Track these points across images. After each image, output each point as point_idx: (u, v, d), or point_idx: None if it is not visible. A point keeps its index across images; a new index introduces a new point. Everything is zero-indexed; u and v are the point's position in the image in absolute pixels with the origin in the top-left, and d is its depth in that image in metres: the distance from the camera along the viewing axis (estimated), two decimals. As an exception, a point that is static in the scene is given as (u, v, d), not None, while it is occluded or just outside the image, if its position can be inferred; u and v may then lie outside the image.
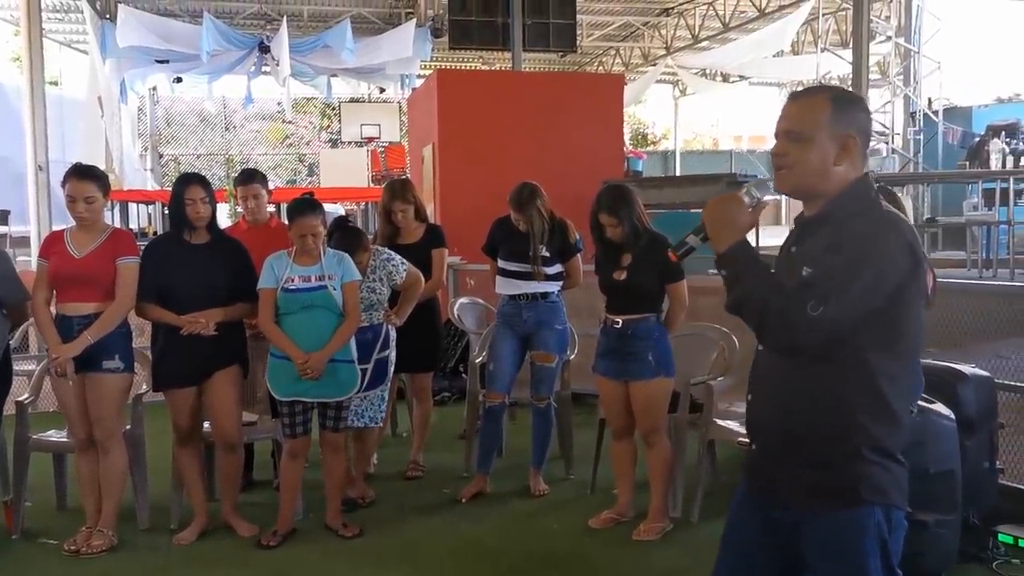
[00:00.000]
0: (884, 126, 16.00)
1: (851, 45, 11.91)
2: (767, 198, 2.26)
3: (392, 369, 5.06)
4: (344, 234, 4.82)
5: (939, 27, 15.88)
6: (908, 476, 2.22)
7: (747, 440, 2.41)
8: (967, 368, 4.21)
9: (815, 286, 2.05)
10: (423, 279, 5.14)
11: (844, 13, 17.27)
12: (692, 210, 10.71)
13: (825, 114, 2.15)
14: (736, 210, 2.21)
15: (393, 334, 5.00)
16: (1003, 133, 13.18)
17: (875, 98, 15.17)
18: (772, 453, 2.28)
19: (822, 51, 17.02)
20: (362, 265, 4.74)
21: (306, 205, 4.44)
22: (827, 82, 17.20)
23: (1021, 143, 13.29)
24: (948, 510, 3.85)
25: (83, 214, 4.29)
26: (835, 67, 17.67)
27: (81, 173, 4.34)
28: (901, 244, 2.08)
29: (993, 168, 11.96)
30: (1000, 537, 4.14)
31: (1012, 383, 4.65)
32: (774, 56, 18.70)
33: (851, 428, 2.13)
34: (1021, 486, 4.41)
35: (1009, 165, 12.07)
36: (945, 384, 4.05)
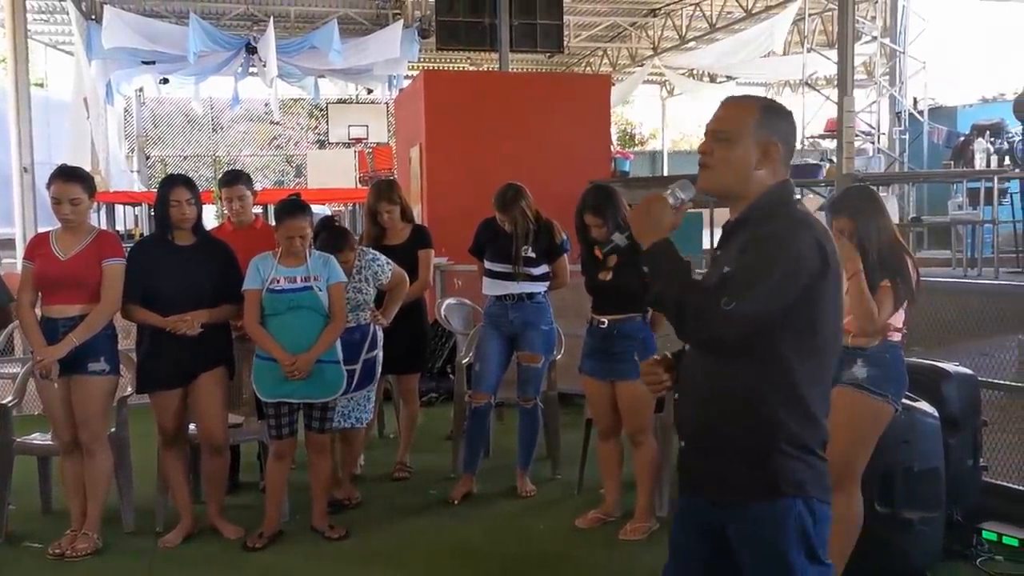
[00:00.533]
0: (870, 126, 16.05)
1: (836, 45, 11.94)
2: (688, 198, 2.34)
3: (380, 369, 5.06)
4: (330, 234, 4.82)
5: (924, 27, 15.93)
6: (826, 469, 2.27)
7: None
8: (951, 366, 4.24)
9: (728, 283, 2.15)
10: (408, 279, 5.14)
11: (830, 14, 17.33)
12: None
13: (752, 119, 2.25)
14: (660, 210, 2.30)
15: (380, 334, 4.99)
16: (988, 133, 13.21)
17: (861, 98, 15.20)
18: (697, 449, 2.35)
19: (808, 51, 17.07)
20: (348, 265, 4.74)
21: (295, 207, 4.44)
22: (814, 82, 17.27)
23: (1005, 143, 13.34)
24: (932, 507, 3.88)
25: (68, 216, 4.27)
26: (821, 67, 17.73)
27: (66, 175, 4.33)
28: (811, 244, 2.16)
29: (978, 168, 12.00)
30: (984, 534, 4.17)
31: (996, 381, 4.69)
32: (762, 57, 18.74)
33: (769, 424, 2.20)
34: (1004, 483, 4.44)
35: (993, 164, 12.09)
36: (929, 382, 4.08)
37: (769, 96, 22.04)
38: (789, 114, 2.35)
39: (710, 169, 2.29)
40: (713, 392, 2.28)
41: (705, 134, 2.32)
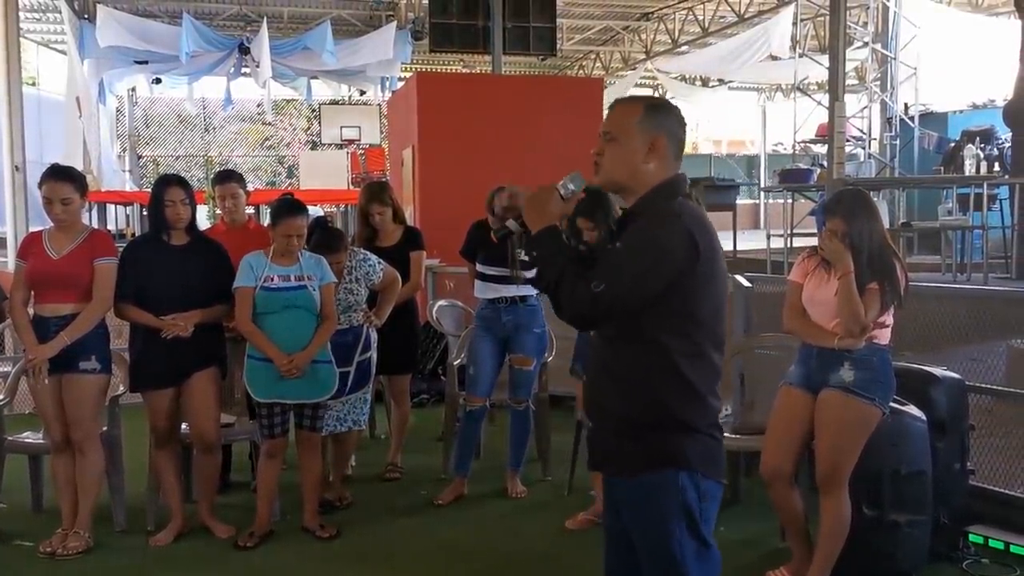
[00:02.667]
0: (861, 131, 16.11)
1: (828, 51, 12.00)
2: (578, 189, 2.50)
3: (374, 371, 5.07)
4: (324, 234, 4.84)
5: (915, 33, 15.98)
6: (720, 449, 2.41)
7: None
8: (939, 371, 4.27)
9: (600, 268, 2.31)
10: (400, 279, 5.15)
11: (822, 19, 17.39)
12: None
13: (636, 117, 2.40)
14: (549, 199, 2.45)
15: (374, 335, 5.00)
16: (978, 139, 13.29)
17: (852, 103, 15.27)
18: (594, 427, 2.50)
19: (800, 56, 17.14)
20: (340, 265, 4.75)
21: (293, 206, 4.45)
22: (805, 87, 17.32)
23: (995, 149, 13.42)
24: (920, 510, 3.90)
25: (60, 215, 4.28)
26: (813, 72, 17.79)
27: (57, 174, 4.33)
28: (680, 236, 2.27)
29: (968, 173, 12.07)
30: (971, 537, 4.20)
31: (983, 385, 4.71)
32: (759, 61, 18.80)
33: (652, 403, 2.34)
34: (991, 487, 4.47)
35: (983, 170, 12.16)
36: (917, 386, 4.11)
37: (761, 100, 22.08)
38: (673, 108, 2.48)
39: (601, 167, 2.44)
40: (603, 372, 2.44)
41: (598, 135, 2.47)
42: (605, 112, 2.57)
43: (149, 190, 4.63)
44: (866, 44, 15.98)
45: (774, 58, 17.94)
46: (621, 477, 2.41)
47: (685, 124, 2.47)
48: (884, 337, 3.68)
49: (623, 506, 2.43)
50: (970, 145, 12.88)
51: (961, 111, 16.94)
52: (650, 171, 2.39)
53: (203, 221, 8.55)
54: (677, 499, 2.31)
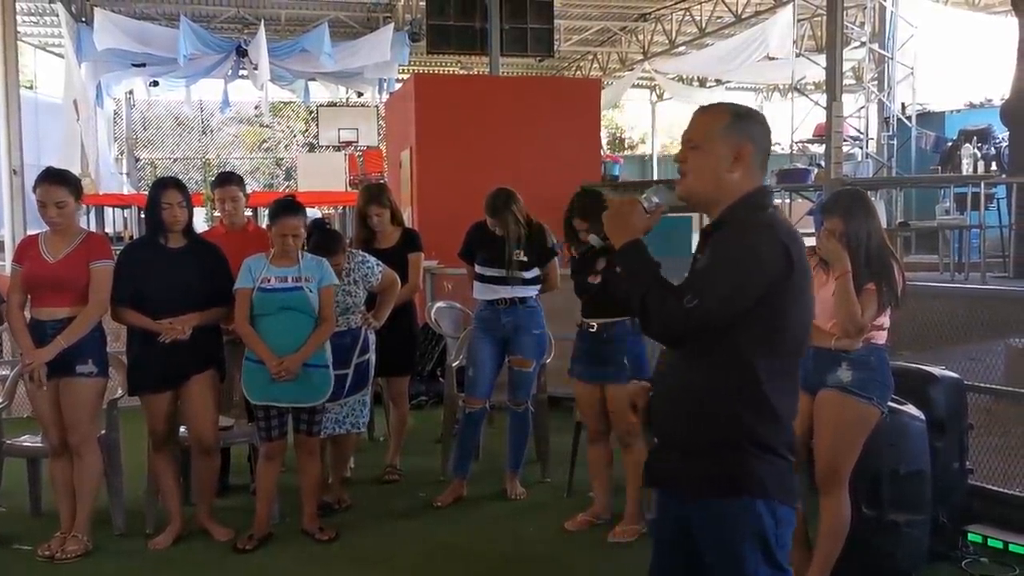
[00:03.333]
0: (859, 131, 16.14)
1: (825, 51, 12.01)
2: (663, 203, 2.45)
3: (372, 373, 5.07)
4: (322, 236, 4.84)
5: (912, 33, 16.01)
6: (790, 471, 2.32)
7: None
8: (937, 370, 4.27)
9: (692, 282, 2.25)
10: (399, 280, 5.15)
11: (819, 19, 17.41)
12: (669, 214, 10.76)
13: (721, 125, 2.32)
14: (632, 213, 2.39)
15: (372, 337, 5.00)
16: (975, 138, 13.30)
17: (850, 103, 15.27)
18: (666, 445, 2.41)
19: (797, 56, 17.15)
20: (338, 267, 4.75)
21: (289, 206, 4.46)
22: (803, 86, 17.34)
23: (992, 148, 13.43)
24: (919, 510, 3.90)
25: (55, 219, 4.27)
26: (810, 72, 17.80)
27: (52, 178, 4.32)
28: (774, 248, 2.21)
29: (965, 173, 12.08)
30: (970, 536, 4.20)
31: (982, 384, 4.71)
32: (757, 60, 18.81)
33: (732, 423, 2.25)
34: (990, 486, 4.47)
35: (980, 170, 12.17)
36: (916, 386, 4.11)
37: (758, 100, 22.06)
38: (759, 115, 2.41)
39: (685, 177, 2.36)
40: (679, 390, 2.35)
41: (681, 144, 2.40)
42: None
43: (147, 193, 4.61)
44: (863, 44, 16.01)
45: (771, 58, 17.96)
46: (693, 501, 2.31)
47: (771, 133, 2.41)
48: (881, 338, 3.68)
49: (693, 528, 2.33)
50: (967, 144, 12.90)
51: (958, 110, 16.97)
52: (734, 181, 2.31)
53: (201, 224, 8.55)
54: (753, 527, 2.24)
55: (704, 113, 2.40)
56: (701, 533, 2.31)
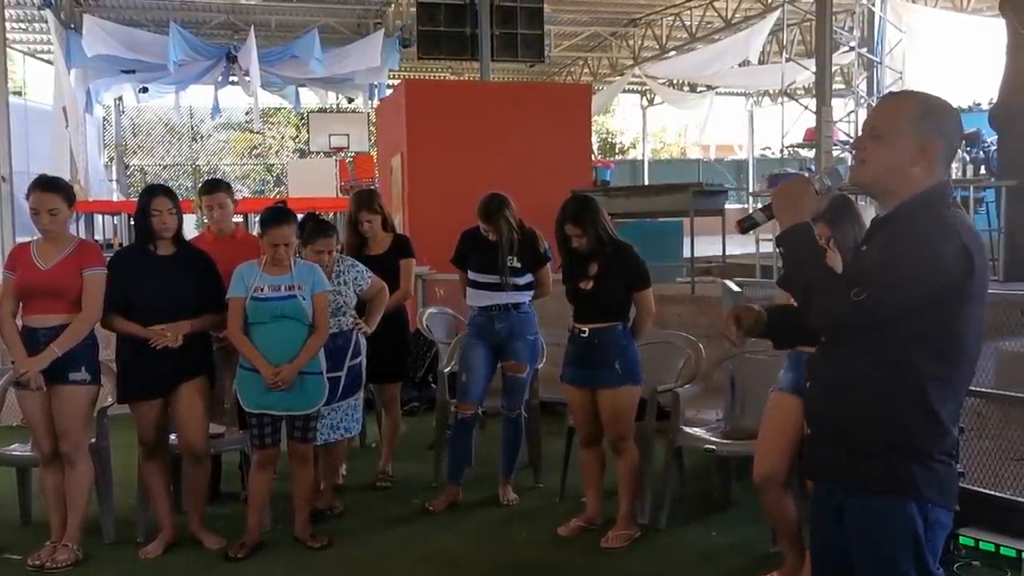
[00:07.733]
0: (848, 135, 16.18)
1: (815, 55, 12.05)
2: (834, 186, 2.35)
3: (364, 377, 5.06)
4: (316, 224, 4.89)
5: (901, 38, 16.07)
6: (952, 475, 2.26)
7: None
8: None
9: (862, 275, 2.15)
10: (387, 289, 5.14)
11: (809, 24, 17.47)
12: (660, 219, 10.79)
13: (908, 116, 2.21)
14: (802, 194, 2.30)
15: (363, 342, 4.99)
16: (963, 142, 13.35)
17: (839, 107, 15.32)
18: (820, 439, 2.37)
19: (787, 61, 17.21)
20: (330, 256, 4.76)
21: (280, 214, 4.45)
22: (792, 91, 17.39)
23: (981, 152, 13.47)
24: (911, 514, 3.90)
25: (48, 226, 4.26)
26: (800, 77, 17.85)
27: (45, 185, 4.31)
28: (954, 249, 2.11)
29: (954, 177, 12.13)
30: (961, 540, 4.20)
31: (973, 388, 4.71)
32: (740, 65, 18.87)
33: (890, 425, 2.20)
34: (982, 489, 4.47)
35: (969, 173, 12.21)
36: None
37: (749, 104, 22.05)
38: (954, 112, 2.28)
39: (863, 164, 2.26)
40: (839, 385, 2.27)
41: (862, 129, 2.30)
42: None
43: (136, 199, 4.61)
44: (852, 49, 16.05)
45: (762, 63, 18.03)
46: (846, 496, 2.28)
47: (962, 127, 2.30)
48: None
49: (848, 519, 2.29)
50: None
51: (947, 114, 16.98)
52: (915, 175, 2.19)
53: (191, 230, 8.54)
54: (905, 528, 2.19)
55: (892, 101, 2.29)
56: (852, 528, 2.28)
